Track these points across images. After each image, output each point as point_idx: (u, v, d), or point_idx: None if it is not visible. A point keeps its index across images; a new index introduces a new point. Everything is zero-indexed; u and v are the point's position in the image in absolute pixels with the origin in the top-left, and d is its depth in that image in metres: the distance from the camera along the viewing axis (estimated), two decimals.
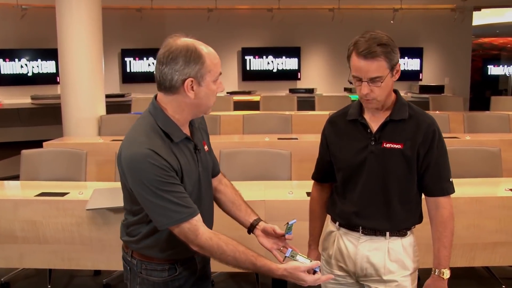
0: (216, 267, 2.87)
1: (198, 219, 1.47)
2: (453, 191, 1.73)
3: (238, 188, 2.84)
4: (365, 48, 1.56)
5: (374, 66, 1.57)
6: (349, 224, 1.75)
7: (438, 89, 8.47)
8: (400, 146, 1.65)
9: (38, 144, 4.25)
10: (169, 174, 1.44)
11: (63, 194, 2.87)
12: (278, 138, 4.64)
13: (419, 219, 1.77)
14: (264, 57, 9.05)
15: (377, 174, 1.68)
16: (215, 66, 1.49)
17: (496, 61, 12.61)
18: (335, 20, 8.71)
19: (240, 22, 8.84)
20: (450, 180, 1.73)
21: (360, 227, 1.73)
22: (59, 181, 3.25)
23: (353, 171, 1.72)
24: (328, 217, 1.91)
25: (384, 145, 1.67)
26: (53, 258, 2.85)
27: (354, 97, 7.84)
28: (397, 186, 1.68)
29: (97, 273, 3.39)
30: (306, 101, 7.95)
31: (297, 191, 2.87)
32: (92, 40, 5.39)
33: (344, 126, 1.76)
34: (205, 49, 1.48)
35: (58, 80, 8.09)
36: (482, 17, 9.71)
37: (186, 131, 1.57)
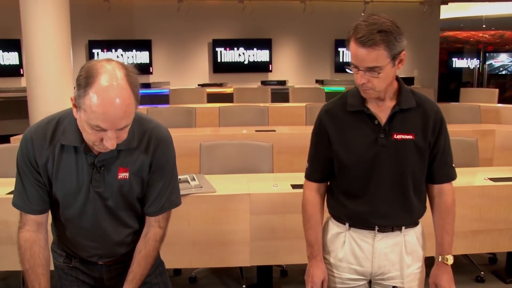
0: (197, 262, 2.83)
1: (33, 218, 1.49)
2: (456, 176, 1.70)
3: (220, 181, 2.81)
4: (364, 35, 1.42)
5: (372, 55, 1.43)
6: (363, 224, 1.64)
7: (408, 81, 8.62)
8: (411, 137, 1.57)
9: (1, 139, 4.05)
10: (27, 162, 1.45)
11: None
12: (256, 130, 4.59)
13: (426, 208, 1.72)
14: (235, 48, 8.97)
15: (391, 168, 1.58)
16: (93, 113, 1.25)
17: (460, 54, 12.97)
18: (306, 12, 8.73)
19: (210, 14, 8.71)
20: (453, 165, 1.69)
21: (376, 226, 1.62)
22: None
23: (364, 167, 1.59)
24: (327, 217, 1.77)
25: (395, 137, 1.56)
26: None
27: (328, 88, 7.87)
28: (412, 179, 1.60)
29: None
30: (278, 93, 7.94)
31: (281, 184, 2.83)
32: (59, 31, 5.17)
33: (346, 118, 1.61)
34: (102, 91, 1.24)
35: (22, 72, 7.82)
36: (448, 11, 9.93)
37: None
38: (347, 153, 1.60)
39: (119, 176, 1.45)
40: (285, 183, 2.85)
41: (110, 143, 1.31)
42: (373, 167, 1.58)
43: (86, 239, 1.53)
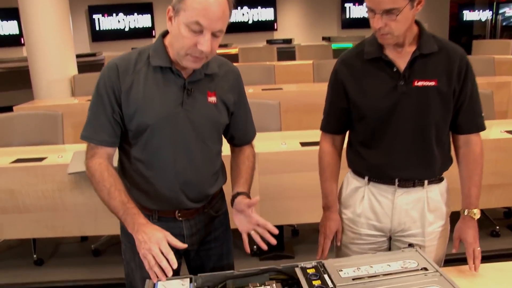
0: None
1: (102, 149, 1.44)
2: (485, 126, 1.58)
3: None
4: None
5: None
6: (383, 177, 1.57)
7: None
8: (434, 83, 1.47)
9: (5, 110, 3.98)
10: (108, 91, 1.40)
11: (41, 159, 2.68)
12: (263, 89, 4.49)
13: (451, 160, 1.63)
14: (239, 8, 8.73)
15: (411, 117, 1.49)
16: (193, 10, 1.28)
17: (471, 6, 12.52)
18: None
19: None
20: (482, 114, 1.58)
21: (397, 180, 1.55)
22: (35, 145, 3.05)
23: (383, 117, 1.51)
24: (347, 171, 1.70)
25: (416, 84, 1.47)
26: (36, 227, 2.70)
27: (335, 45, 7.66)
28: (434, 128, 1.51)
29: (84, 239, 3.26)
30: (285, 51, 7.74)
31: (290, 142, 2.75)
32: None
33: (363, 66, 1.53)
34: None
35: (22, 42, 7.69)
36: None
37: (182, 67, 1.41)
38: (366, 102, 1.53)
39: (208, 100, 1.47)
40: (293, 141, 2.77)
41: (205, 45, 1.31)
42: (393, 116, 1.50)
43: (174, 174, 1.45)
